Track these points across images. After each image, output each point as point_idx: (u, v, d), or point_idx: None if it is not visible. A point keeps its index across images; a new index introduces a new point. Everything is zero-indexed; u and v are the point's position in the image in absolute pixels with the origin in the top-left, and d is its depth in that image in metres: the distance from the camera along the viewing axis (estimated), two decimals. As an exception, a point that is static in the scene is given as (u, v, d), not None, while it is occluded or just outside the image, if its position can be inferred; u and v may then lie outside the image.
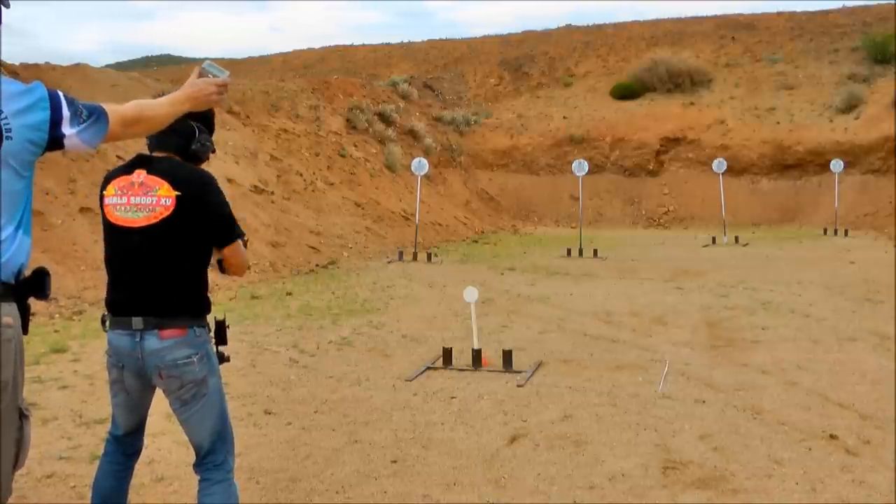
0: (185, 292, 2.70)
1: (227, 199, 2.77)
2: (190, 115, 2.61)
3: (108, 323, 2.75)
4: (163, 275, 2.66)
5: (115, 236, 2.71)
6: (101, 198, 2.74)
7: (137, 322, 2.64)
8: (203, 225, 2.69)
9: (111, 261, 2.75)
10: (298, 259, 11.75)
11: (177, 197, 2.63)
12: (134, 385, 2.76)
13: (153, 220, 2.63)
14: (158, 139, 2.75)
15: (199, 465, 2.82)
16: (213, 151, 2.88)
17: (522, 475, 3.87)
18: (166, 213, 2.63)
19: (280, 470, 3.95)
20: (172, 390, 2.70)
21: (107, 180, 2.76)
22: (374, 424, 4.65)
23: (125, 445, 2.92)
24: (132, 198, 2.66)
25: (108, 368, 2.81)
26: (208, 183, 2.71)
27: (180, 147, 2.75)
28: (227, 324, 2.93)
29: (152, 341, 2.64)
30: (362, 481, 3.81)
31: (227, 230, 2.75)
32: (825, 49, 24.12)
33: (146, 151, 2.79)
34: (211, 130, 2.89)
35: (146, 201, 2.65)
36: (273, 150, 14.92)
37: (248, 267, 2.87)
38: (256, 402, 5.08)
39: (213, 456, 2.78)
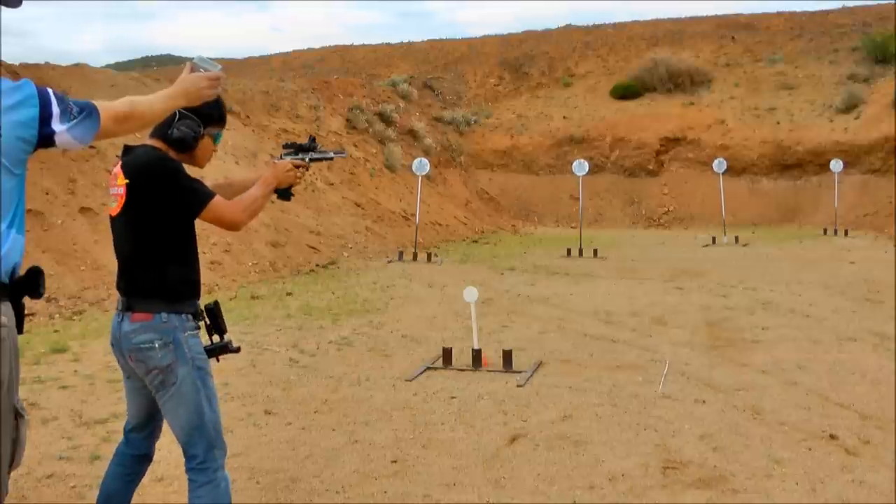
0: (152, 276, 2.71)
1: (183, 176, 2.69)
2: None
3: None
4: (131, 259, 2.76)
5: (112, 228, 2.84)
6: None
7: (120, 303, 2.76)
8: (163, 208, 2.67)
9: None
10: (298, 259, 11.75)
11: (126, 185, 2.68)
12: (125, 365, 2.80)
13: (118, 209, 2.74)
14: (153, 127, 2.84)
15: (185, 463, 2.79)
16: (198, 136, 2.78)
17: (522, 475, 3.87)
18: (122, 202, 2.71)
19: (280, 470, 3.95)
20: (142, 375, 2.73)
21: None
22: (374, 424, 4.65)
23: (135, 444, 2.90)
24: (111, 189, 2.79)
25: None
26: (156, 167, 2.68)
27: (162, 133, 2.77)
28: (217, 310, 2.87)
29: (125, 323, 2.70)
30: (362, 481, 3.81)
31: (192, 201, 2.69)
32: (825, 49, 24.10)
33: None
34: (210, 121, 2.83)
35: (115, 192, 2.76)
36: (273, 150, 14.90)
37: (244, 217, 2.80)
38: (256, 402, 5.08)
39: (191, 449, 2.75)
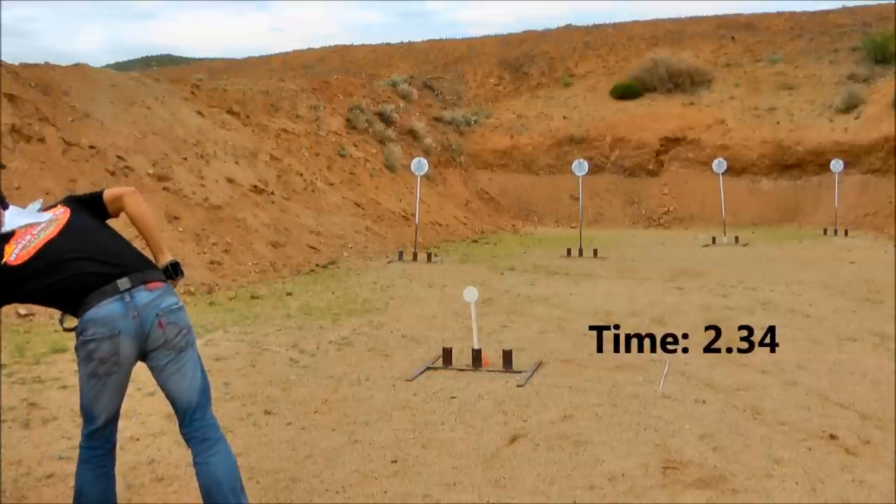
0: (139, 254, 2.90)
1: None
2: None
3: (70, 317, 2.77)
4: (118, 241, 2.89)
5: (45, 257, 2.74)
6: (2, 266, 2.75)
7: (124, 282, 2.72)
8: (92, 211, 2.95)
9: (55, 277, 2.73)
10: (298, 259, 11.75)
11: (62, 204, 2.94)
12: (128, 353, 2.72)
13: (63, 221, 2.83)
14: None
15: (189, 425, 2.80)
16: None
17: (522, 475, 3.87)
18: (69, 215, 2.86)
19: (280, 470, 3.95)
20: (170, 338, 2.75)
21: None
22: (374, 424, 4.65)
23: (101, 442, 2.86)
24: (33, 231, 2.81)
25: (91, 353, 2.70)
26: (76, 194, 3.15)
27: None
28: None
29: (143, 295, 2.73)
30: (362, 481, 3.81)
31: (94, 192, 3.03)
32: (825, 49, 24.10)
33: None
34: None
35: (45, 222, 2.84)
36: (273, 150, 14.91)
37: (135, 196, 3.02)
38: (256, 402, 5.08)
39: (201, 410, 2.82)
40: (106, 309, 2.68)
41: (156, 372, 2.81)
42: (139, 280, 2.73)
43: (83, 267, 2.73)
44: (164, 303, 2.75)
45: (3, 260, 2.74)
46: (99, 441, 2.86)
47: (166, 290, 2.80)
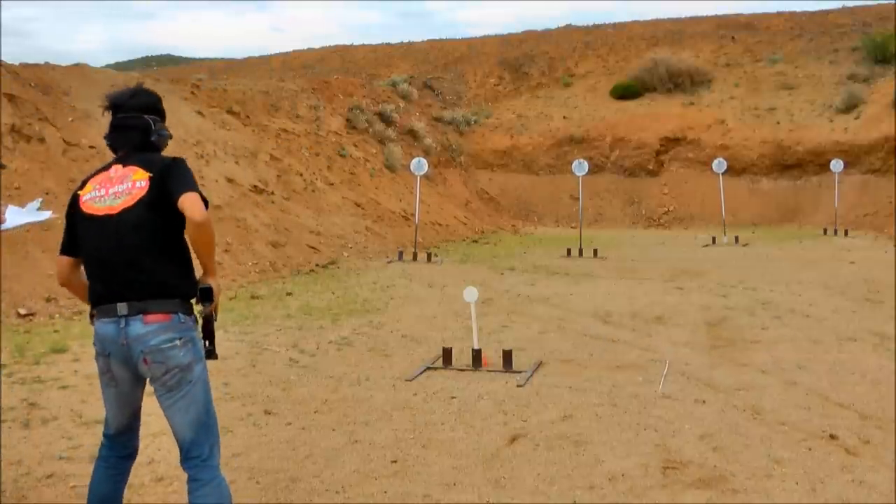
0: (168, 275, 2.71)
1: (194, 179, 2.78)
2: (143, 109, 2.82)
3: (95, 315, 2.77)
4: (144, 258, 2.68)
5: (95, 227, 2.72)
6: (76, 199, 2.80)
7: (122, 308, 2.65)
8: (165, 195, 2.70)
9: (91, 254, 2.76)
10: (298, 259, 11.75)
11: (150, 178, 2.71)
12: (122, 374, 2.73)
13: (130, 203, 2.69)
14: (120, 139, 2.83)
15: (185, 462, 2.77)
16: (171, 137, 2.97)
17: (522, 475, 3.87)
18: (141, 194, 2.69)
19: (280, 470, 3.95)
20: (157, 377, 2.68)
21: (83, 183, 2.84)
22: (374, 424, 4.65)
23: (119, 447, 2.89)
24: (110, 188, 2.73)
25: (96, 361, 2.79)
26: (177, 162, 2.79)
27: (142, 141, 2.82)
28: (214, 318, 2.86)
29: (136, 326, 2.64)
30: (362, 481, 3.81)
31: (182, 180, 2.70)
32: (825, 49, 24.10)
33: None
34: (163, 117, 2.94)
35: (123, 188, 2.72)
36: (273, 150, 14.91)
37: (208, 220, 2.70)
38: (256, 402, 5.08)
39: (197, 448, 2.74)
40: (104, 328, 2.70)
41: (157, 398, 2.80)
42: (137, 309, 2.63)
43: (104, 275, 2.70)
44: (154, 339, 2.63)
45: (79, 192, 2.80)
46: (116, 446, 2.88)
47: (164, 326, 2.65)
